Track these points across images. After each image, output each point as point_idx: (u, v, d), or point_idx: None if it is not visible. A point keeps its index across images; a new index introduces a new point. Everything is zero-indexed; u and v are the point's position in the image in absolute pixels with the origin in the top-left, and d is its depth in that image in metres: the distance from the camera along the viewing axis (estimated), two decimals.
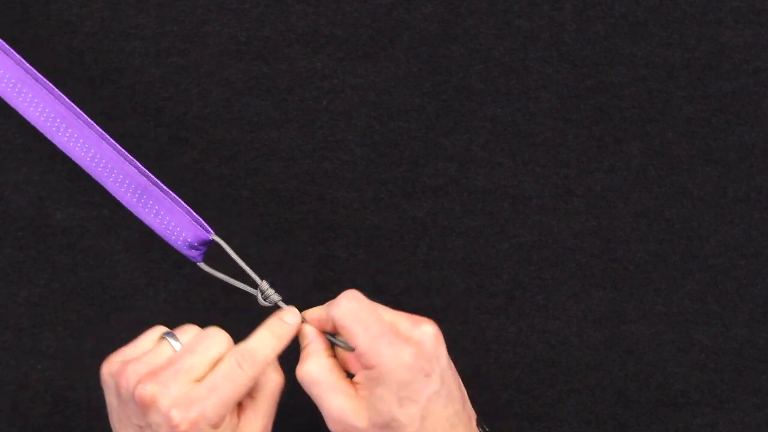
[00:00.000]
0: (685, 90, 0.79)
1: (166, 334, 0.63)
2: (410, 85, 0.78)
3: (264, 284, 0.67)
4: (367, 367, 0.62)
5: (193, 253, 0.69)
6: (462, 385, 0.65)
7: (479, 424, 0.66)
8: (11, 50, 0.71)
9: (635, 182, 0.78)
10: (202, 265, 0.68)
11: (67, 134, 0.70)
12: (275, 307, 0.67)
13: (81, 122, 0.70)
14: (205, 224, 0.69)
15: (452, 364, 0.65)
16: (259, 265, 0.76)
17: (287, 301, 0.68)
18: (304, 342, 0.65)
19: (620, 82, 0.79)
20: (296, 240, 0.77)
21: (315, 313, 0.66)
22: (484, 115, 0.78)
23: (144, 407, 0.59)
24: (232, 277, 0.68)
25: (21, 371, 0.75)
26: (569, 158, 0.78)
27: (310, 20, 0.78)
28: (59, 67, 0.76)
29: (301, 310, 0.67)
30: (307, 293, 0.76)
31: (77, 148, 0.70)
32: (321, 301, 0.76)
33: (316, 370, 0.63)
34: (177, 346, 0.62)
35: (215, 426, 0.60)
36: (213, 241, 0.69)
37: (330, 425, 0.62)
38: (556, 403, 0.77)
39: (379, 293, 0.76)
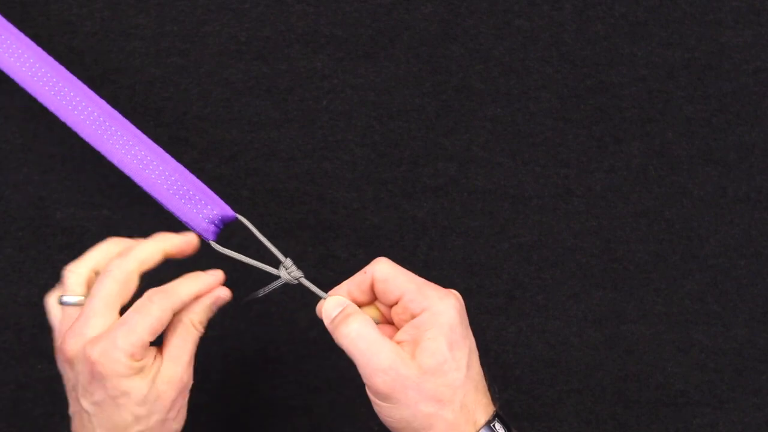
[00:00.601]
0: (685, 90, 0.79)
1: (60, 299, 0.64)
2: (410, 85, 0.78)
3: (288, 261, 0.67)
4: (414, 315, 0.63)
5: (210, 228, 0.68)
6: None
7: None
8: (21, 34, 0.71)
9: (635, 182, 0.78)
10: (215, 245, 0.68)
11: (83, 109, 0.69)
12: (298, 286, 0.67)
13: (104, 101, 0.69)
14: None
15: None
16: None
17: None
18: (337, 309, 0.65)
19: (620, 82, 0.79)
20: (296, 240, 0.77)
21: (341, 289, 0.66)
22: (484, 115, 0.78)
23: (69, 362, 0.62)
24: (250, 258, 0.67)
25: (21, 371, 0.75)
26: (569, 158, 0.78)
27: (310, 20, 0.78)
28: None
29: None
30: (308, 293, 0.76)
31: (94, 126, 0.69)
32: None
33: (360, 326, 0.63)
34: (73, 300, 0.64)
35: (133, 357, 0.60)
36: (229, 224, 0.68)
37: (377, 378, 0.61)
38: (556, 403, 0.77)
39: None
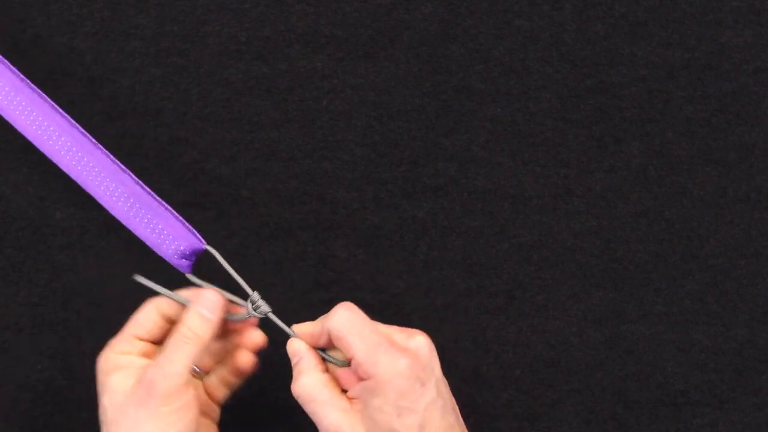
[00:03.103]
0: (685, 90, 0.79)
1: None
2: (410, 85, 0.78)
3: (255, 295, 0.67)
4: (363, 378, 0.62)
5: (183, 263, 0.68)
6: (454, 399, 0.66)
7: None
8: (1, 57, 0.71)
9: (635, 182, 0.78)
10: (191, 277, 0.68)
11: (60, 142, 0.69)
12: (266, 319, 0.67)
13: (75, 129, 0.69)
14: (198, 235, 0.69)
15: (444, 378, 0.65)
16: (259, 265, 0.76)
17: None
18: (295, 358, 0.65)
19: (620, 82, 0.79)
20: (296, 240, 0.77)
21: (307, 328, 0.66)
22: (484, 115, 0.78)
23: None
24: (222, 288, 0.67)
25: (21, 371, 0.75)
26: (569, 158, 0.78)
27: (310, 20, 0.78)
28: (59, 67, 0.76)
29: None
30: (307, 293, 0.76)
31: (68, 156, 0.69)
32: (320, 301, 0.76)
33: (311, 386, 0.63)
34: None
35: (113, 349, 0.64)
36: (203, 253, 0.69)
37: None
38: (556, 403, 0.77)
39: (379, 293, 0.76)
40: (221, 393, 0.68)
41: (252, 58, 0.77)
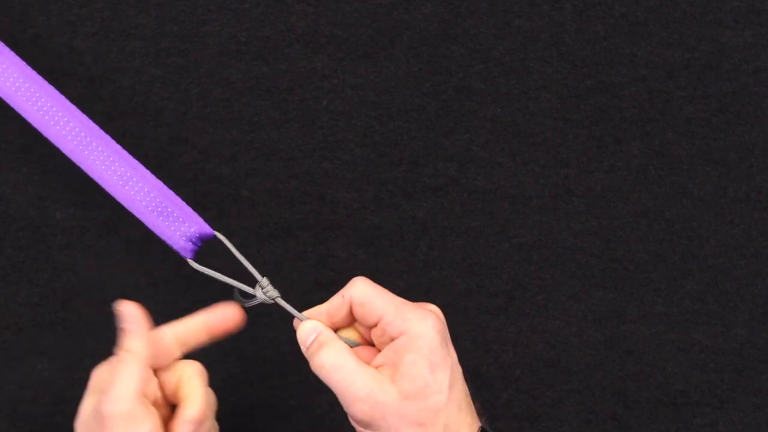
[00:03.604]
0: (685, 90, 0.79)
1: None
2: (410, 85, 0.78)
3: (264, 281, 0.67)
4: (393, 338, 0.62)
5: (187, 246, 0.68)
6: None
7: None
8: (7, 48, 0.71)
9: (635, 182, 0.78)
10: (192, 263, 0.68)
11: (68, 127, 0.69)
12: (274, 305, 0.67)
13: (84, 115, 0.69)
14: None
15: None
16: (259, 264, 0.76)
17: (284, 299, 0.67)
18: (311, 337, 0.64)
19: (620, 82, 0.79)
20: (296, 240, 0.77)
21: (319, 309, 0.65)
22: (484, 115, 0.78)
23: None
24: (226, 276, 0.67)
25: (21, 371, 0.75)
26: (569, 158, 0.78)
27: (310, 20, 0.78)
28: (59, 67, 0.76)
29: (298, 309, 0.66)
30: (307, 293, 0.76)
31: (75, 141, 0.69)
32: (320, 301, 0.76)
33: (334, 355, 0.62)
34: None
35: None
36: (207, 241, 0.69)
37: (356, 407, 0.60)
38: (556, 403, 0.77)
39: None
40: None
41: (252, 58, 0.77)
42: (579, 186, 0.78)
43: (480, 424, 0.62)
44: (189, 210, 0.68)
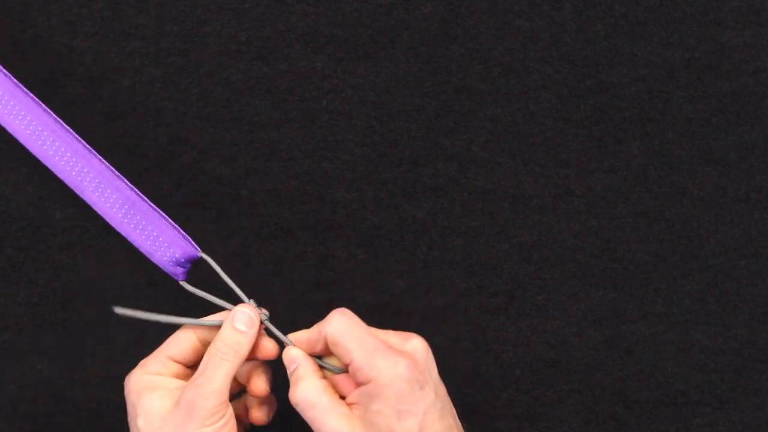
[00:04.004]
0: (685, 90, 0.79)
1: None
2: (410, 85, 0.78)
3: (251, 303, 0.67)
4: (362, 383, 0.62)
5: (177, 270, 0.68)
6: (451, 402, 0.65)
7: None
8: None
9: (635, 182, 0.78)
10: (185, 284, 0.68)
11: (54, 147, 0.69)
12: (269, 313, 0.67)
13: (70, 135, 0.69)
14: (193, 242, 0.69)
15: (440, 380, 0.65)
16: (259, 265, 0.76)
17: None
18: (292, 366, 0.65)
19: (620, 82, 0.79)
20: (296, 240, 0.77)
21: (303, 335, 0.65)
22: (484, 115, 0.78)
23: None
24: (215, 296, 0.67)
25: (21, 371, 0.75)
26: (569, 158, 0.78)
27: (310, 20, 0.78)
28: (59, 67, 0.76)
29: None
30: (307, 293, 0.76)
31: (63, 162, 0.69)
32: (320, 301, 0.76)
33: (309, 392, 0.62)
34: None
35: (145, 369, 0.64)
36: (198, 260, 0.69)
37: None
38: (556, 403, 0.77)
39: (379, 293, 0.76)
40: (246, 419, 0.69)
41: (252, 58, 0.77)
42: (579, 186, 0.78)
43: None
44: (173, 233, 0.68)
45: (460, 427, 0.64)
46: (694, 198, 0.79)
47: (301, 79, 0.77)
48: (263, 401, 0.67)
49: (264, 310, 0.67)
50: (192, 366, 0.66)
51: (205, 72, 0.77)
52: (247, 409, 0.68)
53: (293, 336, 0.66)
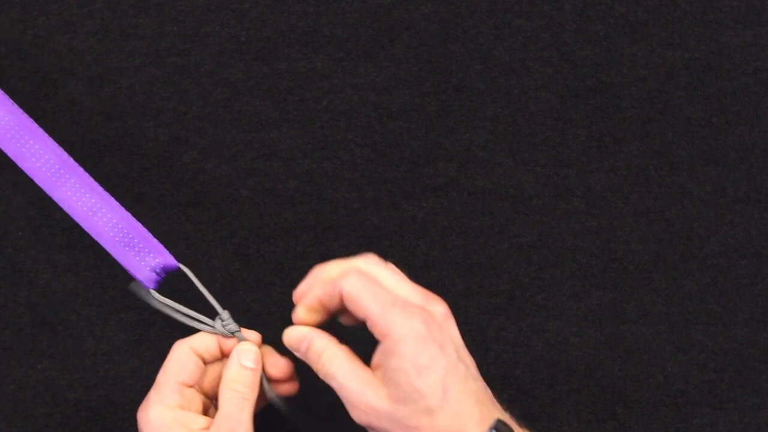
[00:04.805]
0: (685, 90, 0.79)
1: None
2: (410, 85, 0.78)
3: (225, 314, 0.67)
4: (380, 339, 0.61)
5: (151, 277, 0.67)
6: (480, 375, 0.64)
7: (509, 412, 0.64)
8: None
9: (635, 182, 0.78)
10: (155, 294, 0.67)
11: (35, 149, 0.68)
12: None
13: (46, 137, 0.68)
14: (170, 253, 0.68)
15: (466, 348, 0.63)
16: (259, 265, 0.76)
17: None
18: (303, 345, 0.64)
19: (620, 82, 0.79)
20: (296, 240, 0.77)
21: (314, 296, 0.64)
22: (484, 115, 0.78)
23: None
24: (187, 306, 0.67)
25: (21, 371, 0.75)
26: (569, 158, 0.78)
27: (310, 20, 0.78)
28: (59, 67, 0.76)
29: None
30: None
31: (39, 163, 0.68)
32: None
33: (327, 364, 0.62)
34: None
35: (163, 404, 0.62)
36: (172, 274, 0.68)
37: (354, 413, 0.61)
38: (556, 403, 0.77)
39: None
40: None
41: (252, 58, 0.77)
42: (579, 186, 0.78)
43: (497, 416, 0.60)
44: (154, 241, 0.67)
45: (494, 400, 0.63)
46: (694, 198, 0.79)
47: (301, 79, 0.77)
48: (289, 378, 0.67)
49: (225, 319, 0.66)
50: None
51: (205, 72, 0.77)
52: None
53: (301, 301, 0.64)
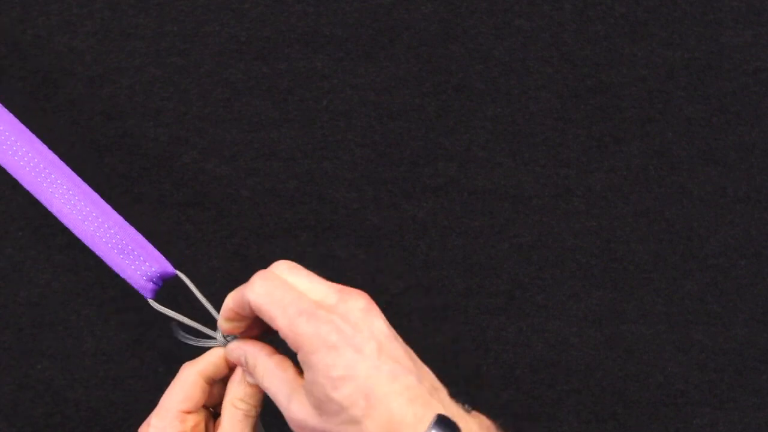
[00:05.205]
0: (685, 90, 0.79)
1: None
2: (410, 85, 0.78)
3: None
4: (295, 351, 0.57)
5: (148, 286, 0.65)
6: (418, 359, 0.59)
7: (456, 399, 0.59)
8: None
9: (635, 182, 0.78)
10: (153, 303, 0.65)
11: (27, 157, 0.67)
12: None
13: (39, 143, 0.67)
14: (167, 260, 0.67)
15: (399, 338, 0.59)
16: (259, 265, 0.76)
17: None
18: (242, 360, 0.62)
19: (620, 82, 0.79)
20: (296, 240, 0.77)
21: (229, 306, 0.61)
22: (484, 115, 0.78)
23: None
24: (185, 315, 0.65)
25: (21, 371, 0.75)
26: (569, 158, 0.78)
27: (310, 20, 0.78)
28: (59, 67, 0.76)
29: None
30: None
31: (28, 168, 0.67)
32: None
33: (260, 376, 0.60)
34: None
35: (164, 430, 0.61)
36: (169, 280, 0.67)
37: (290, 425, 0.58)
38: (556, 403, 0.77)
39: (379, 293, 0.76)
40: None
41: (252, 58, 0.77)
42: (579, 186, 0.78)
43: (437, 412, 0.55)
44: (150, 248, 0.66)
45: (435, 384, 0.58)
46: (694, 198, 0.79)
47: (301, 79, 0.77)
48: None
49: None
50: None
51: (205, 72, 0.77)
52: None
53: (223, 314, 0.62)
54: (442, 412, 0.55)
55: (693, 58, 0.79)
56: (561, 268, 0.78)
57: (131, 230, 0.66)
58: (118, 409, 0.75)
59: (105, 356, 0.76)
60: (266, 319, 0.58)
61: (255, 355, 0.61)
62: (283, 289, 0.58)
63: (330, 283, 0.60)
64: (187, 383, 0.62)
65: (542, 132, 0.78)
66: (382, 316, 0.58)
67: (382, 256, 0.77)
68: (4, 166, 0.67)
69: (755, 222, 0.79)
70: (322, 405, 0.55)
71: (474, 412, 0.59)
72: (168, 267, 0.66)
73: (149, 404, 0.63)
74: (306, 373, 0.56)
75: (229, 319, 0.62)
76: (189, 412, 0.62)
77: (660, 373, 0.78)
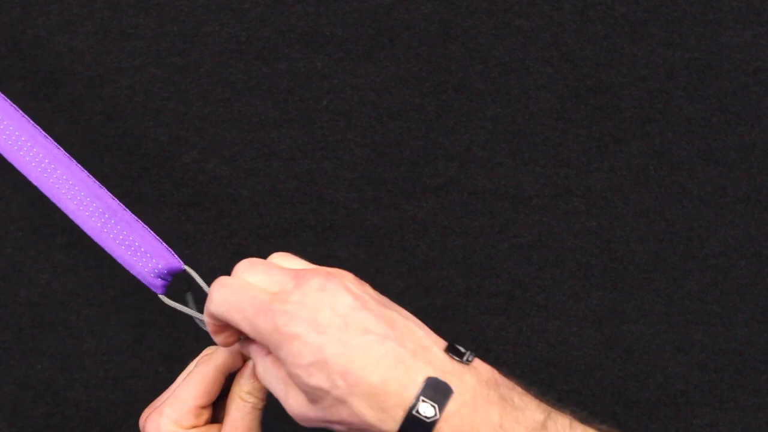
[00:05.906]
0: (685, 90, 0.79)
1: None
2: (410, 85, 0.78)
3: None
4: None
5: (158, 283, 0.65)
6: (400, 318, 0.57)
7: (451, 350, 0.57)
8: None
9: (635, 182, 0.78)
10: (164, 299, 0.65)
11: (32, 153, 0.67)
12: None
13: (48, 141, 0.67)
14: (176, 255, 0.66)
15: (372, 302, 0.57)
16: None
17: None
18: (249, 365, 0.63)
19: (620, 82, 0.79)
20: (296, 240, 0.77)
21: (206, 313, 0.61)
22: (484, 115, 0.78)
23: None
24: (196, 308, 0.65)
25: (21, 371, 0.75)
26: (569, 158, 0.78)
27: (310, 20, 0.78)
28: (59, 67, 0.76)
29: None
30: None
31: (40, 168, 0.66)
32: None
33: (261, 375, 0.60)
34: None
35: (178, 423, 0.60)
36: (178, 274, 0.66)
37: (295, 420, 0.58)
38: (556, 403, 0.77)
39: (378, 293, 0.76)
40: None
41: (252, 58, 0.77)
42: (579, 186, 0.78)
43: (427, 375, 0.53)
44: (157, 244, 0.65)
45: (423, 343, 0.56)
46: (694, 198, 0.79)
47: (301, 79, 0.77)
48: None
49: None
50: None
51: (205, 72, 0.77)
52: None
53: (209, 330, 0.61)
54: (431, 374, 0.54)
55: (693, 58, 0.79)
56: (561, 268, 0.78)
57: (137, 226, 0.66)
58: (118, 409, 0.75)
59: (105, 356, 0.76)
60: (233, 326, 0.57)
61: (254, 354, 0.61)
62: (239, 291, 0.57)
63: (288, 270, 0.58)
64: (207, 378, 0.62)
65: (542, 132, 0.78)
66: (345, 285, 0.57)
67: (382, 256, 0.77)
68: (15, 165, 0.67)
69: (755, 222, 0.79)
70: (309, 395, 0.55)
71: (475, 362, 0.57)
72: (175, 262, 0.66)
73: (149, 404, 0.63)
74: (285, 368, 0.55)
75: (216, 333, 0.60)
76: (204, 407, 0.62)
77: (660, 373, 0.78)
